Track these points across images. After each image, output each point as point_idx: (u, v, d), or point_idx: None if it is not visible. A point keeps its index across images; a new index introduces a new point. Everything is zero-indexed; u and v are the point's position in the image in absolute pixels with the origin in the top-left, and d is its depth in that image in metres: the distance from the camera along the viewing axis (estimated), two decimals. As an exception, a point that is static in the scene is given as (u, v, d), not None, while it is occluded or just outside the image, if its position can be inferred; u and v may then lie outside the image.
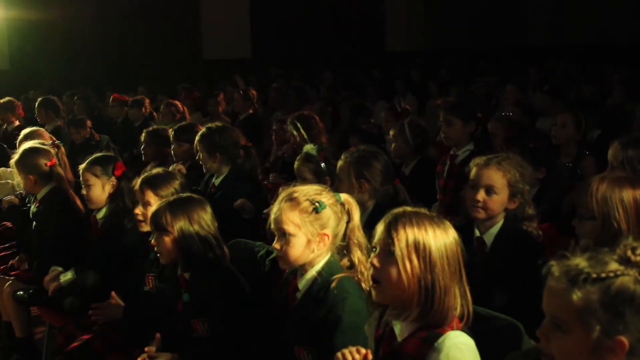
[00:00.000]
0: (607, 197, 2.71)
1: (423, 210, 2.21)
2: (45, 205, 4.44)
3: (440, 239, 2.13)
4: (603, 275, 1.59)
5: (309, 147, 4.57)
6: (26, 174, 4.47)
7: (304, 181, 4.43)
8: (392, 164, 4.22)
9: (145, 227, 3.63)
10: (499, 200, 3.14)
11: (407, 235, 2.12)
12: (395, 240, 2.12)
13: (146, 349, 2.96)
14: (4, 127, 8.11)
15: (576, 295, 1.60)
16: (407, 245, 2.11)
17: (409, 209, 2.20)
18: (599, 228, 2.73)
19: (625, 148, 3.87)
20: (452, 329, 2.10)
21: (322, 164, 4.39)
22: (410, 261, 2.11)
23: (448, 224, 2.18)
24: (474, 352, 2.12)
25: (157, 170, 3.80)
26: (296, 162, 4.55)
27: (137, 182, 3.71)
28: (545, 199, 4.27)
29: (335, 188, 3.76)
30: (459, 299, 2.12)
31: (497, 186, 3.13)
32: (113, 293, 3.55)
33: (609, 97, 9.01)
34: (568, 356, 1.65)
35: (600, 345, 1.59)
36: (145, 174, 3.74)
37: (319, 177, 4.39)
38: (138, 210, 3.66)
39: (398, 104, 6.66)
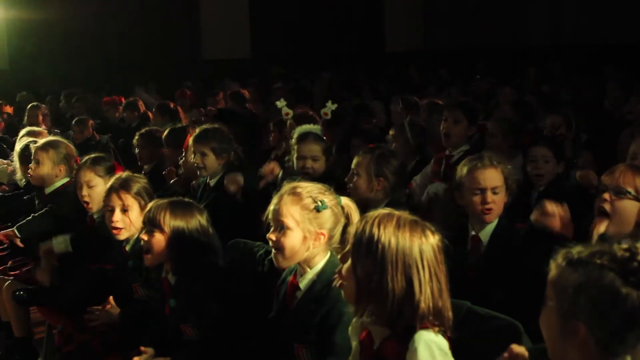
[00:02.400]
0: None
1: (406, 214, 2.20)
2: (58, 198, 4.58)
3: (416, 243, 2.11)
4: (584, 259, 1.67)
5: (313, 127, 4.61)
6: (55, 163, 4.62)
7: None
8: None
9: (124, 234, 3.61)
10: (502, 199, 3.18)
11: (378, 236, 2.11)
12: (359, 240, 2.14)
13: (135, 359, 2.96)
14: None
15: (554, 270, 1.71)
16: (373, 246, 2.11)
17: (395, 211, 2.19)
18: None
19: None
20: (426, 328, 2.10)
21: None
22: (364, 262, 2.12)
23: (430, 229, 2.17)
24: (445, 352, 2.11)
25: (125, 174, 3.75)
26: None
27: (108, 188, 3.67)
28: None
29: (349, 180, 3.79)
30: (446, 304, 2.13)
31: (499, 185, 3.16)
32: (110, 298, 3.50)
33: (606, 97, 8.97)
34: (545, 329, 1.75)
35: (563, 326, 1.66)
36: (114, 179, 3.68)
37: (326, 157, 4.43)
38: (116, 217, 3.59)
39: (397, 104, 6.65)
